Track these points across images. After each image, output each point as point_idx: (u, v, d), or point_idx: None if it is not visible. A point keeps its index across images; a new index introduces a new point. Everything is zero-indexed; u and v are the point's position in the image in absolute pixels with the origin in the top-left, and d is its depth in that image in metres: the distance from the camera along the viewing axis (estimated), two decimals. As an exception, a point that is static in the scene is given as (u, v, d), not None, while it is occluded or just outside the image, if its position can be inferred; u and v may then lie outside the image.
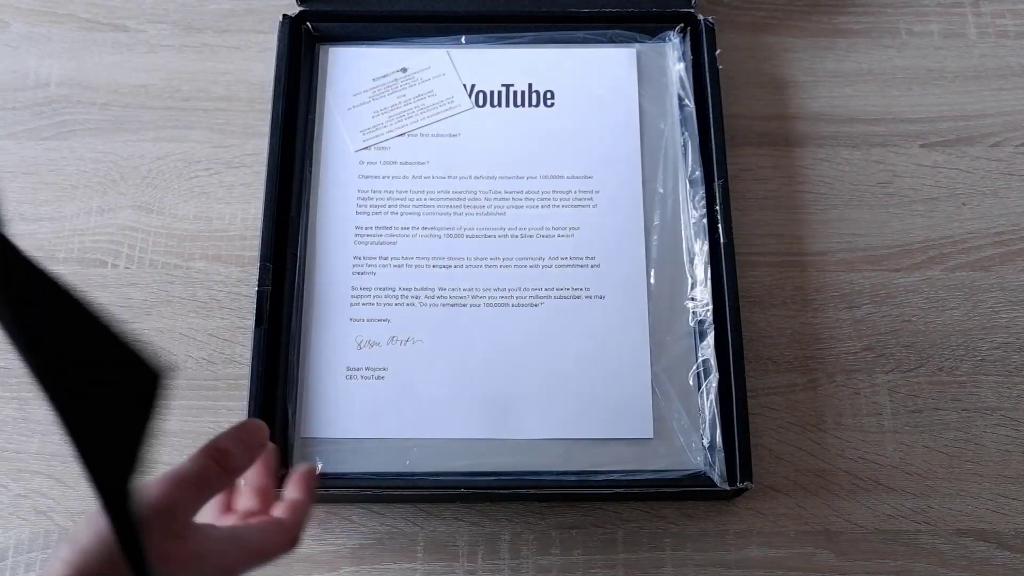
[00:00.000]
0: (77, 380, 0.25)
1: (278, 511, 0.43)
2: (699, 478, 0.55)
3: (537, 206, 0.61)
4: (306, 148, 0.63)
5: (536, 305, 0.59)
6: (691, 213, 0.61)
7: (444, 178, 0.62)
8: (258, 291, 0.57)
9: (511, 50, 0.66)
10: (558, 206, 0.62)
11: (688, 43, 0.66)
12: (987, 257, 0.63)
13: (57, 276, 0.26)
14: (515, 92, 0.65)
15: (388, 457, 0.55)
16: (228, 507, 0.44)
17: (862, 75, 0.69)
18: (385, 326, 0.58)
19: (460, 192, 0.62)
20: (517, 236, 0.61)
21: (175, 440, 0.57)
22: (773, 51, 0.70)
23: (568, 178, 0.62)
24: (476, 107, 0.64)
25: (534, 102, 0.65)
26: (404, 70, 0.65)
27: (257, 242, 0.59)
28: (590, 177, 0.62)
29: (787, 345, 0.60)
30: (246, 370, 0.56)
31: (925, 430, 0.58)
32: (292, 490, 0.44)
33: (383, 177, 0.62)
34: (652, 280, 0.60)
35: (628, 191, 0.62)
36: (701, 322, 0.58)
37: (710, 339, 0.57)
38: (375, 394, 0.57)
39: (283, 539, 0.41)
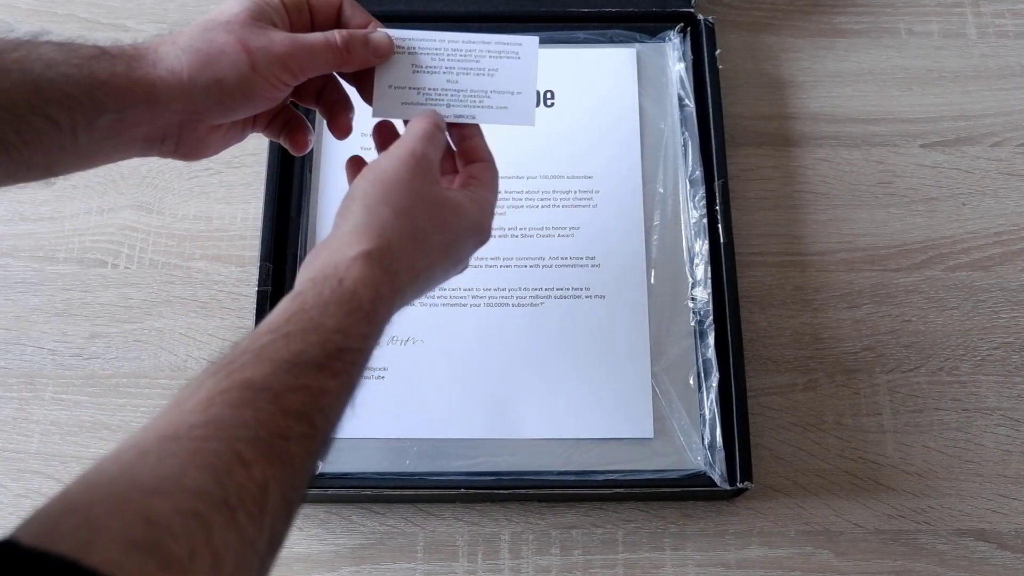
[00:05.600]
0: None
1: (470, 157, 0.46)
2: (699, 478, 0.55)
3: (537, 206, 0.61)
4: (306, 149, 0.63)
5: (536, 305, 0.59)
6: (691, 213, 0.61)
7: (444, 178, 0.62)
8: (258, 291, 0.57)
9: (511, 50, 0.66)
10: (558, 206, 0.62)
11: (688, 43, 0.66)
12: (987, 257, 0.63)
13: None
14: (515, 92, 0.65)
15: (388, 457, 0.55)
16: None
17: (862, 75, 0.69)
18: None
19: (460, 192, 0.62)
20: (517, 236, 0.61)
21: (175, 440, 0.57)
22: (773, 51, 0.70)
23: (568, 178, 0.62)
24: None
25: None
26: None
27: (257, 242, 0.59)
28: (590, 177, 0.62)
29: (787, 345, 0.60)
30: (246, 370, 0.56)
31: (925, 430, 0.58)
32: (464, 133, 0.46)
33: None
34: (652, 280, 0.60)
35: (628, 191, 0.62)
36: (701, 322, 0.58)
37: (710, 339, 0.57)
38: (375, 394, 0.57)
39: (493, 177, 0.45)
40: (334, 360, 0.34)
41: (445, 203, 0.41)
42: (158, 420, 0.30)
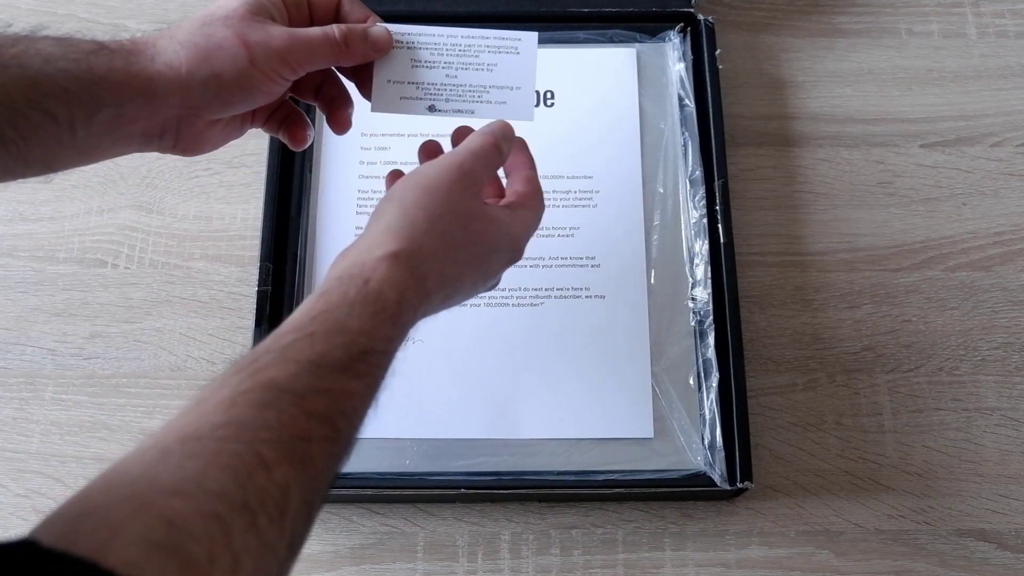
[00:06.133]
0: None
1: (517, 185, 0.46)
2: (699, 478, 0.55)
3: (537, 206, 0.61)
4: (306, 148, 0.63)
5: (536, 305, 0.59)
6: (691, 213, 0.61)
7: (444, 178, 0.62)
8: (258, 291, 0.57)
9: (511, 50, 0.66)
10: (558, 206, 0.62)
11: (688, 43, 0.66)
12: (987, 257, 0.63)
13: None
14: (515, 92, 0.65)
15: (388, 457, 0.55)
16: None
17: (862, 75, 0.69)
18: (385, 326, 0.58)
19: (460, 192, 0.62)
20: (517, 236, 0.61)
21: (175, 440, 0.57)
22: (773, 51, 0.70)
23: (568, 178, 0.62)
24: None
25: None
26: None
27: (257, 242, 0.59)
28: (590, 177, 0.62)
29: (787, 345, 0.60)
30: (246, 370, 0.56)
31: (925, 430, 0.58)
32: (518, 163, 0.46)
33: (383, 177, 0.62)
34: (652, 280, 0.60)
35: (628, 191, 0.62)
36: (701, 322, 0.58)
37: (710, 339, 0.57)
38: (375, 394, 0.56)
39: (540, 205, 0.45)
40: (358, 362, 0.34)
41: (483, 216, 0.41)
42: (179, 419, 0.30)
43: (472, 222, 0.40)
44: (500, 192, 0.47)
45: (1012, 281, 0.62)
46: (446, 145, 0.48)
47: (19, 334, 0.61)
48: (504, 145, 0.44)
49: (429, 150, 0.47)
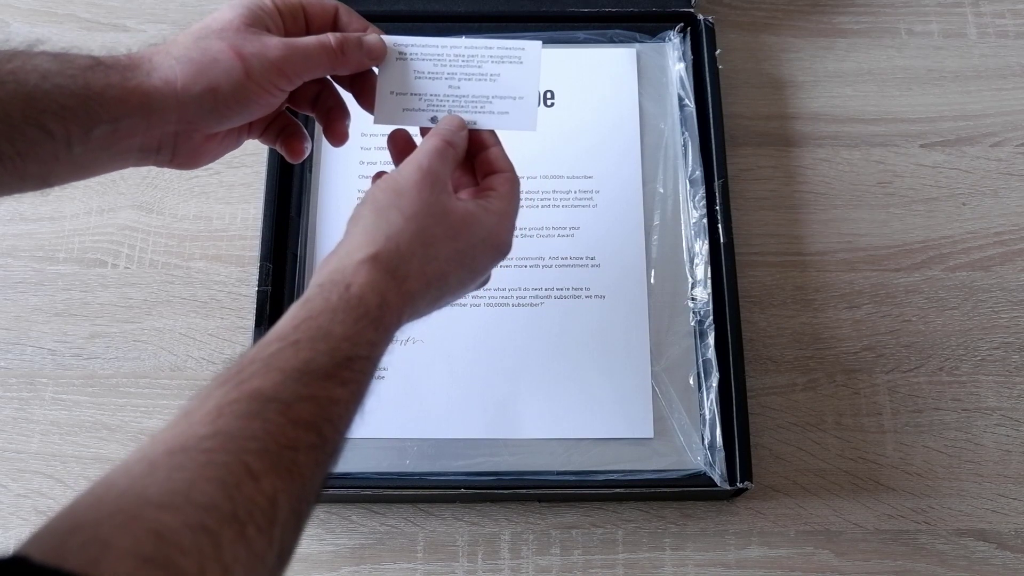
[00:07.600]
0: None
1: (485, 170, 0.45)
2: (699, 478, 0.55)
3: (537, 206, 0.61)
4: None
5: (536, 305, 0.59)
6: (691, 213, 0.61)
7: (444, 178, 0.62)
8: (258, 291, 0.57)
9: (511, 50, 0.66)
10: (558, 206, 0.62)
11: (688, 43, 0.66)
12: (987, 257, 0.63)
13: None
14: (515, 92, 0.65)
15: (388, 457, 0.55)
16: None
17: (862, 75, 0.69)
18: (385, 326, 0.58)
19: (460, 192, 0.62)
20: (517, 236, 0.60)
21: (175, 440, 0.57)
22: (773, 51, 0.70)
23: (568, 178, 0.62)
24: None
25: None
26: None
27: (257, 242, 0.59)
28: (590, 177, 0.62)
29: (787, 345, 0.60)
30: (246, 370, 0.56)
31: (925, 430, 0.58)
32: (478, 145, 0.46)
33: None
34: (652, 280, 0.60)
35: (628, 191, 0.62)
36: (701, 322, 0.58)
37: (710, 339, 0.57)
38: (375, 394, 0.56)
39: (510, 187, 0.44)
40: (343, 369, 0.34)
41: (456, 212, 0.41)
42: (166, 431, 0.30)
43: (445, 217, 0.40)
44: (474, 179, 0.47)
45: (1012, 281, 0.62)
46: None
47: (19, 334, 0.61)
48: (454, 138, 0.44)
49: (397, 140, 0.47)
